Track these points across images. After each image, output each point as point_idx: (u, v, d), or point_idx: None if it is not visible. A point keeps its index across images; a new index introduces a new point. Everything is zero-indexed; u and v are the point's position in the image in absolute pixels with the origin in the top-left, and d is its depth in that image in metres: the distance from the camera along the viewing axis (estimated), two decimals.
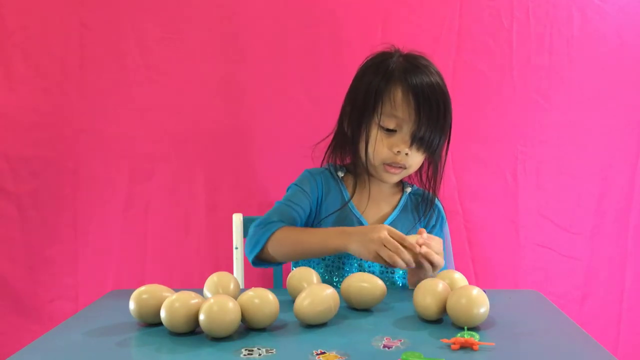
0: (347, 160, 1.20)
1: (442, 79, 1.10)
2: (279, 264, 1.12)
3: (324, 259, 1.15)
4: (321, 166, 1.22)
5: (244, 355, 0.71)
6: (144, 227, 1.51)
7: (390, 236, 0.93)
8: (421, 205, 1.20)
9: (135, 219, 1.50)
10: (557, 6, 1.50)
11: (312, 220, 1.17)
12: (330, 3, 1.48)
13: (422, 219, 1.18)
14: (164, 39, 1.46)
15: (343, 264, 1.14)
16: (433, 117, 1.05)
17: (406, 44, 1.47)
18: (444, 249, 1.02)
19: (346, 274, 1.11)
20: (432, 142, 1.08)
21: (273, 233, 1.06)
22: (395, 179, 1.14)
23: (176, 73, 1.48)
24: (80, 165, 1.48)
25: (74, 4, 1.44)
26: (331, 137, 1.19)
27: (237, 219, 1.36)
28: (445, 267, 1.00)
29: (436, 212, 1.21)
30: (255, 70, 1.48)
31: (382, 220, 1.16)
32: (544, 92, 1.52)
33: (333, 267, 1.15)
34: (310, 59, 1.47)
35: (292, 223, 1.11)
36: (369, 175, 1.16)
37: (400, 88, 1.07)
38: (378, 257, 0.94)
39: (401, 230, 0.97)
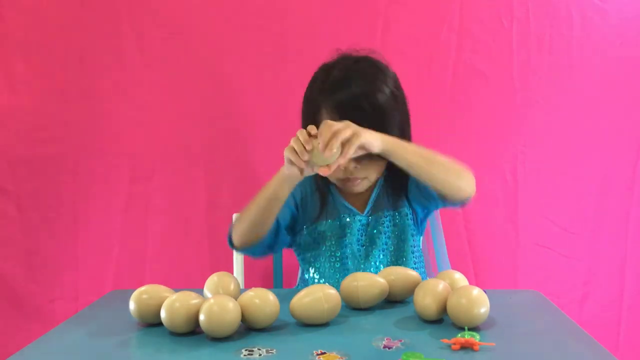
0: None
1: (378, 72, 1.07)
2: (259, 246, 1.09)
3: (324, 261, 1.15)
4: None
5: (244, 355, 0.71)
6: (144, 227, 1.51)
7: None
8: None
9: (135, 219, 1.50)
10: (557, 6, 1.50)
11: (302, 222, 1.16)
12: (330, 3, 1.48)
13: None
14: (164, 39, 1.46)
15: (343, 264, 1.14)
16: (363, 125, 0.97)
17: (406, 44, 1.49)
18: None
19: (346, 274, 1.11)
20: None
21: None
22: (361, 188, 1.12)
23: (176, 73, 1.48)
24: (80, 165, 1.48)
25: (74, 4, 1.44)
26: None
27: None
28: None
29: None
30: (255, 70, 1.49)
31: (365, 203, 1.15)
32: (543, 92, 1.52)
33: (334, 267, 1.15)
34: (310, 59, 1.47)
35: None
36: None
37: (324, 111, 1.05)
38: (286, 159, 0.91)
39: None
